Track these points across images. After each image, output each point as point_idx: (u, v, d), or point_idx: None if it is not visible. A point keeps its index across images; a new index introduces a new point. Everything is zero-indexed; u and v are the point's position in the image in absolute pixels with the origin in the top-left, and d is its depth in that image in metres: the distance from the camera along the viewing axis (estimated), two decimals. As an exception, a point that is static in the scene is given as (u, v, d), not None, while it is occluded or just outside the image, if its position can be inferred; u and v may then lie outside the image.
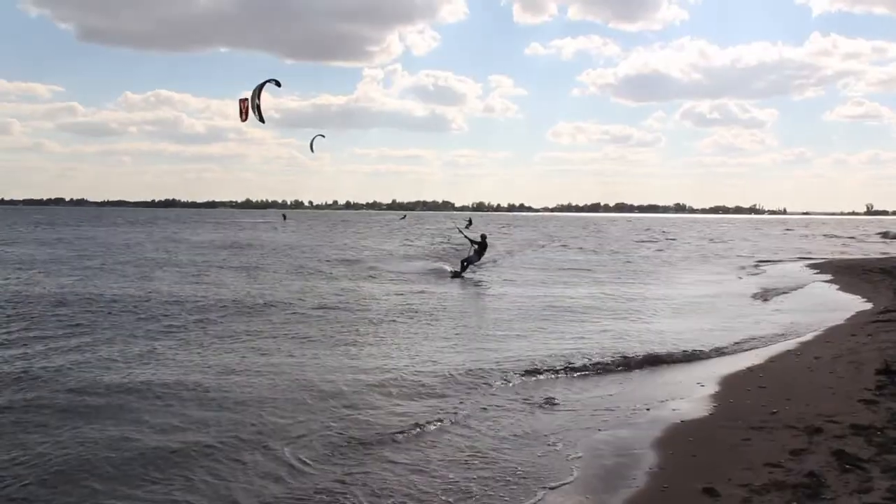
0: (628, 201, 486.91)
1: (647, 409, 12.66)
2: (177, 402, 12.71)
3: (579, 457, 10.48)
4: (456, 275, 36.22)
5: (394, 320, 22.29)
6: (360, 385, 13.79)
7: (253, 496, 8.83)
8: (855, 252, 59.10)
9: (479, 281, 35.29)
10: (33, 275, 33.59)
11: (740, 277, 38.81)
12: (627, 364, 16.10)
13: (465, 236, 38.74)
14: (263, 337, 19.03)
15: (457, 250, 47.53)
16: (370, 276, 36.71)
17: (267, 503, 8.72)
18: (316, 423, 11.50)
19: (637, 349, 17.33)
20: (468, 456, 10.43)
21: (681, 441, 10.89)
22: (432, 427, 11.60)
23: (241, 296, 26.99)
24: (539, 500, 9.00)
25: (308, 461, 10.02)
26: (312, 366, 15.59)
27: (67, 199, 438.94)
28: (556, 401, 13.30)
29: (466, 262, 36.73)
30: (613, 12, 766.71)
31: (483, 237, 38.04)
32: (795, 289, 32.17)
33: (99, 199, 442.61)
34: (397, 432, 11.17)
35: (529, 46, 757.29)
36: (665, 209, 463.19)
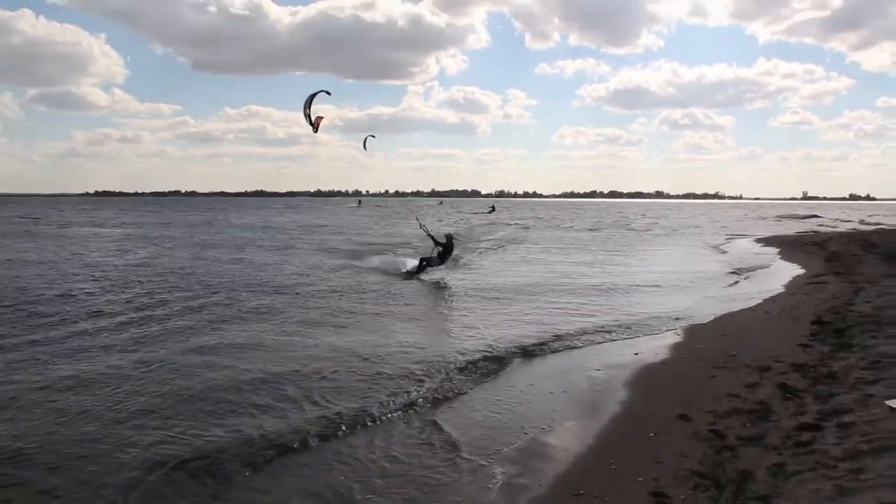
0: (619, 189, 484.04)
1: (635, 354, 12.93)
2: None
3: (579, 390, 10.83)
4: (410, 275, 24.94)
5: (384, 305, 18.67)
6: (355, 369, 11.62)
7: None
8: (796, 229, 58.36)
9: (502, 258, 33.15)
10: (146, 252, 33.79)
11: (715, 250, 38.82)
12: (623, 325, 15.73)
13: (428, 234, 25.94)
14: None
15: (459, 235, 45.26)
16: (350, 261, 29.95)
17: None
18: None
19: (625, 317, 16.77)
20: (485, 406, 10.63)
21: (661, 378, 11.18)
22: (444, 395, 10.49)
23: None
24: (546, 429, 9.32)
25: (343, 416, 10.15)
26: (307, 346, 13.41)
27: (183, 191, 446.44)
28: (560, 349, 13.54)
29: (426, 263, 25.16)
30: (605, 39, 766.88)
31: (449, 238, 25.74)
32: (748, 256, 32.41)
33: (206, 191, 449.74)
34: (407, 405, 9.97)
35: (538, 66, 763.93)
36: (648, 195, 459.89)
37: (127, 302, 18.27)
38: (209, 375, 11.18)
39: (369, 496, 7.23)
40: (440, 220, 71.67)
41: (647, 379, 11.18)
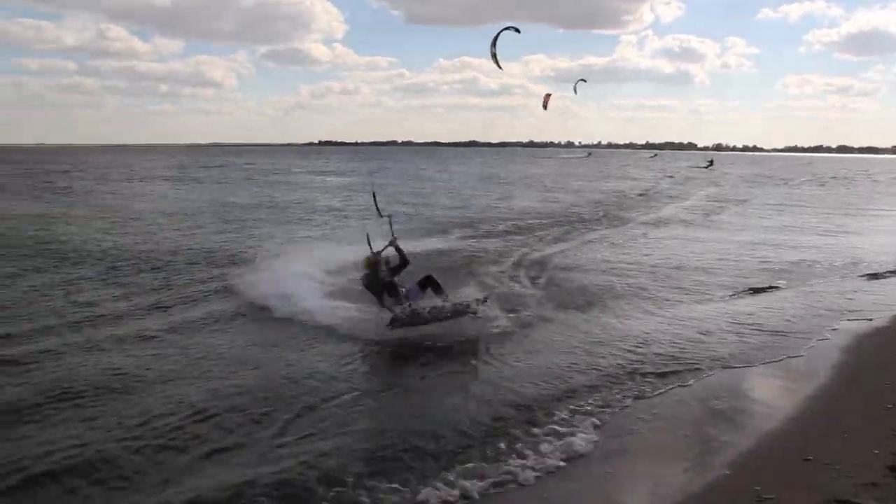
0: (849, 143, 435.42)
1: (869, 321, 12.03)
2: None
3: (807, 357, 10.22)
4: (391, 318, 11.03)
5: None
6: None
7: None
8: None
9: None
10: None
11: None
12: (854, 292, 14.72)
13: (394, 246, 12.00)
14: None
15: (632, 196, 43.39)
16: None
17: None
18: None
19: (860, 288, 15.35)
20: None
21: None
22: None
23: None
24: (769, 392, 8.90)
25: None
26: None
27: (399, 141, 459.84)
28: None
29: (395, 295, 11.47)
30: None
31: (429, 279, 12.06)
32: None
33: (421, 141, 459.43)
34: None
35: (760, 11, 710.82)
36: (883, 150, 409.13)
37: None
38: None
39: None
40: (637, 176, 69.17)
41: (885, 347, 10.30)
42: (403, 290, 11.58)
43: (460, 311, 11.31)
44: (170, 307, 12.76)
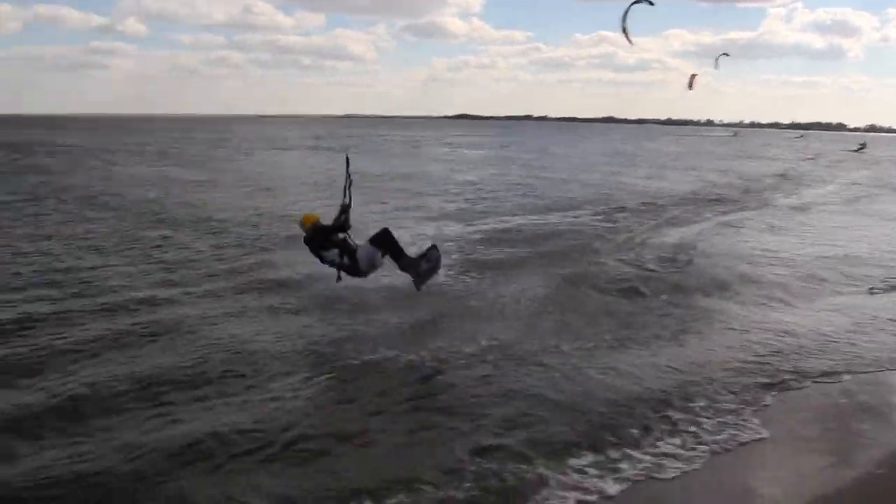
0: None
1: None
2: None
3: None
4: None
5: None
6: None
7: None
8: None
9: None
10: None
11: None
12: None
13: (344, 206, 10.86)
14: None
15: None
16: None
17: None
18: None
19: None
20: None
21: None
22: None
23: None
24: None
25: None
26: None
27: (534, 115, 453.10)
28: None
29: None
30: None
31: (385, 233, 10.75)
32: None
33: (556, 116, 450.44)
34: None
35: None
36: None
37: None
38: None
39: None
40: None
41: None
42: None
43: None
44: (305, 278, 12.61)
